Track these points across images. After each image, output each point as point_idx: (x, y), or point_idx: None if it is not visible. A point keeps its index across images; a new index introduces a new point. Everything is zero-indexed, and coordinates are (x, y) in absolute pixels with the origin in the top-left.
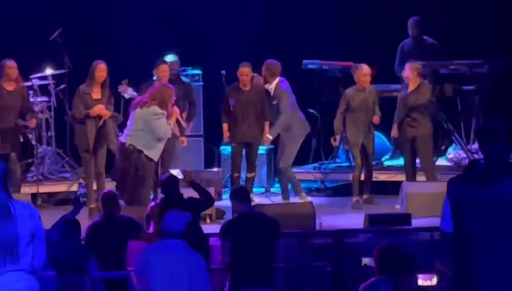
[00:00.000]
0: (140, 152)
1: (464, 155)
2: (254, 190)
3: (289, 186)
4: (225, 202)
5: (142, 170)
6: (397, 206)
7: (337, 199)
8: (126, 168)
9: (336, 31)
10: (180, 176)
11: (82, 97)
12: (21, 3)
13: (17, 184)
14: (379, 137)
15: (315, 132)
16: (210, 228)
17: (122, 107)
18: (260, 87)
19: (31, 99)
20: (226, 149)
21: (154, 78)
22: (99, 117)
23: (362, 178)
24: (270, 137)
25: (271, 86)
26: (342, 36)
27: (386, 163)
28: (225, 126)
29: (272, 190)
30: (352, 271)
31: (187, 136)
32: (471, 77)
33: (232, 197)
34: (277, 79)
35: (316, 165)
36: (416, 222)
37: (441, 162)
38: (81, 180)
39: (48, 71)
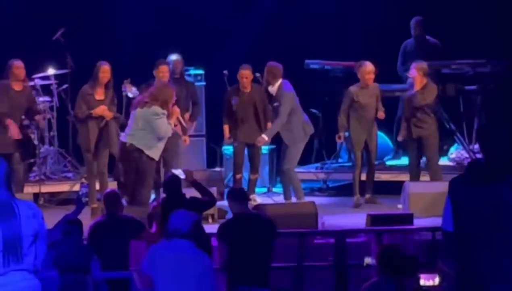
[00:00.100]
0: (141, 151)
1: (466, 155)
2: (256, 190)
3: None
4: (227, 202)
5: (143, 169)
6: (399, 206)
7: (339, 199)
8: (127, 167)
9: (338, 31)
10: (182, 176)
11: (85, 97)
12: (24, 3)
13: (20, 183)
14: (382, 137)
15: (318, 132)
16: (212, 228)
17: (124, 107)
18: (260, 89)
19: None
20: (228, 149)
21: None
22: (101, 118)
23: (363, 177)
24: (266, 138)
25: (273, 89)
26: (344, 36)
27: (388, 163)
28: (225, 128)
29: (274, 189)
30: (354, 271)
31: (189, 136)
32: (474, 77)
33: (229, 197)
34: (279, 81)
35: (318, 164)
36: (418, 222)
37: (443, 161)
38: (83, 180)
39: (51, 71)
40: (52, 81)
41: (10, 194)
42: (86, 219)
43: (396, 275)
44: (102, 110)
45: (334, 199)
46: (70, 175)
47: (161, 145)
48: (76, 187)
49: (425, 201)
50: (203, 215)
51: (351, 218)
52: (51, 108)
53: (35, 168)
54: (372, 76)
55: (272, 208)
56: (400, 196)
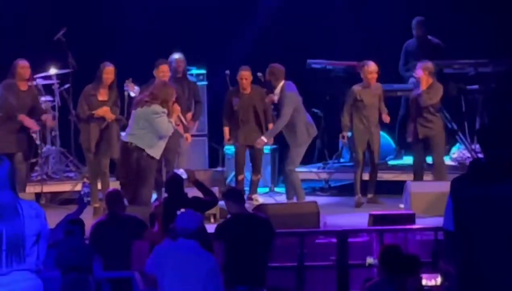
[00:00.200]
0: (142, 150)
1: (468, 155)
2: (258, 189)
3: None
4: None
5: (144, 168)
6: (401, 206)
7: (341, 199)
8: (128, 167)
9: (340, 31)
10: (184, 176)
11: (87, 97)
12: (25, 3)
13: (23, 183)
14: (384, 137)
15: (319, 132)
16: (214, 227)
17: (126, 106)
18: (260, 90)
19: None
20: (230, 149)
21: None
22: (103, 119)
23: (365, 177)
24: (265, 140)
25: (276, 90)
26: (346, 36)
27: (390, 163)
28: (225, 130)
29: (276, 189)
30: (356, 270)
31: (191, 135)
32: (476, 76)
33: (226, 197)
34: (282, 83)
35: (320, 164)
36: (420, 222)
37: (445, 161)
38: (85, 179)
39: (52, 70)
40: (54, 81)
41: (14, 194)
42: (88, 219)
43: (398, 274)
44: (104, 111)
45: (336, 199)
46: (72, 174)
47: (162, 144)
48: (78, 187)
49: (427, 200)
50: (205, 214)
51: (353, 217)
52: (53, 108)
53: (37, 168)
54: (375, 75)
55: (274, 207)
56: (402, 196)
